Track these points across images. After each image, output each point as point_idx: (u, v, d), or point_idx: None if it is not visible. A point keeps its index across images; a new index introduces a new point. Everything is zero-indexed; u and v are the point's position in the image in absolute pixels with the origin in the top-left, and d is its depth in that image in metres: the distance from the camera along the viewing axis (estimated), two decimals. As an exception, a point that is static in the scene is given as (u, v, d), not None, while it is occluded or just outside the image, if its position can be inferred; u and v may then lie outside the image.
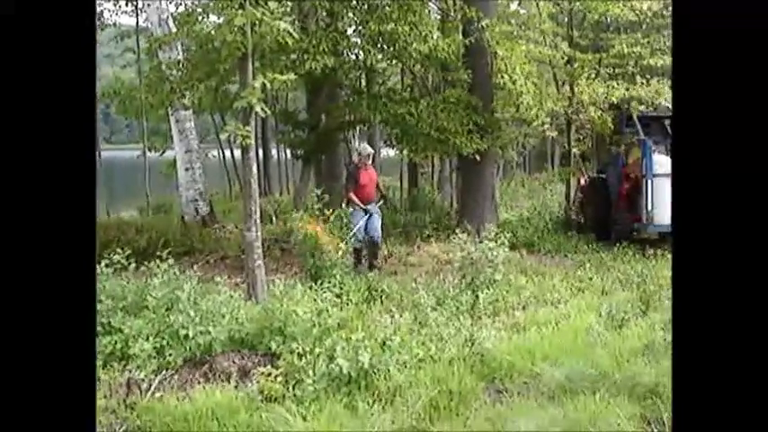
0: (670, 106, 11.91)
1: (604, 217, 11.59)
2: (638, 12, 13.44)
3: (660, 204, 10.15)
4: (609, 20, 15.32)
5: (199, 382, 5.09)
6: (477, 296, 7.24)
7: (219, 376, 5.17)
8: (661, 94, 12.40)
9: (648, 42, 14.47)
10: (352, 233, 9.05)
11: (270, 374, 4.91)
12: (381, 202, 9.85)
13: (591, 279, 8.64)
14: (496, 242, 7.88)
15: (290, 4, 10.26)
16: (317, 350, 5.04)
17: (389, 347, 5.21)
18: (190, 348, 5.37)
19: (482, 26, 10.78)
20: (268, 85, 6.68)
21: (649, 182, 10.16)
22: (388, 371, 4.92)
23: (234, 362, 5.35)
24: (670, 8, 16.98)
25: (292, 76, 7.20)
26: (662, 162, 10.25)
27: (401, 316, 6.39)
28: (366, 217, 9.23)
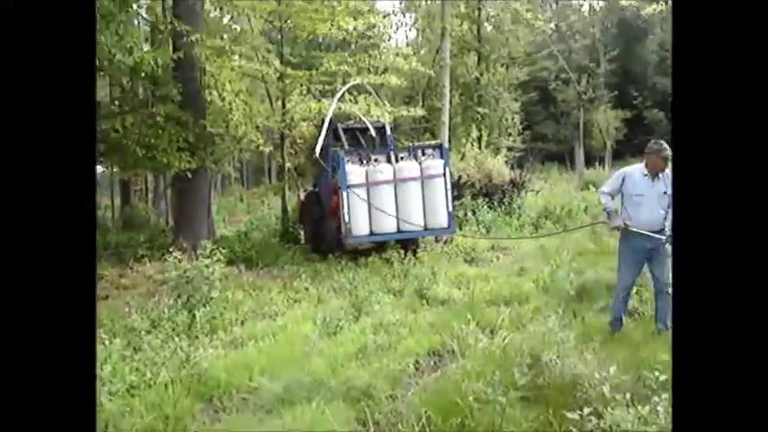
0: (364, 119, 12.49)
1: (319, 229, 11.93)
2: (344, 31, 14.11)
3: (356, 215, 10.29)
4: (321, 38, 15.91)
5: None
6: (193, 315, 7.08)
7: None
8: (371, 111, 13.14)
9: (355, 61, 15.27)
10: None
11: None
12: None
13: (307, 289, 8.87)
14: (212, 258, 7.77)
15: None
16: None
17: (99, 378, 4.87)
18: None
19: (192, 40, 10.61)
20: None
21: (344, 193, 10.27)
22: (100, 402, 4.61)
23: None
24: (374, 29, 18.19)
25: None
26: (355, 172, 10.44)
27: (112, 343, 6.02)
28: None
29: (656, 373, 3.79)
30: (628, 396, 3.72)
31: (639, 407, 3.49)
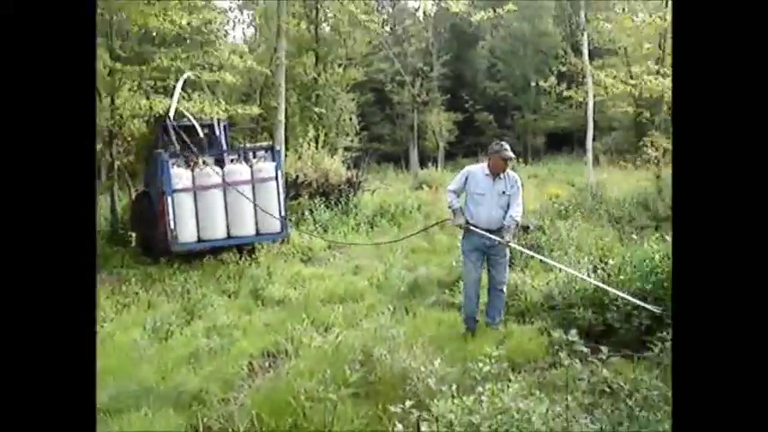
0: (190, 116, 11.98)
1: (150, 231, 11.33)
2: (178, 26, 13.67)
3: (182, 221, 9.80)
4: (155, 33, 15.27)
5: None
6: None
7: None
8: (205, 109, 12.77)
9: (189, 57, 14.85)
10: None
11: None
12: None
13: (137, 294, 8.51)
14: (32, 263, 7.31)
15: None
16: None
17: None
18: None
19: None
20: None
21: (169, 198, 9.68)
22: None
23: None
24: (210, 25, 17.74)
25: None
26: (181, 176, 9.90)
27: None
28: None
29: (481, 365, 3.99)
30: (454, 387, 3.89)
31: (464, 397, 3.65)
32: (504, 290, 6.54)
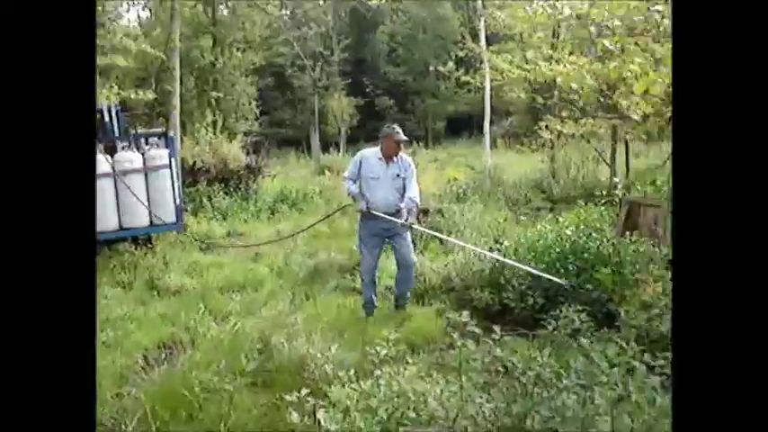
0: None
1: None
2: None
3: None
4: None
5: None
6: None
7: None
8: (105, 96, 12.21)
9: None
10: None
11: None
12: None
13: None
14: None
15: None
16: None
17: None
18: None
19: None
20: None
21: None
22: None
23: None
24: (101, 7, 17.03)
25: None
26: None
27: None
28: None
29: (379, 348, 3.99)
30: (351, 372, 3.89)
31: (362, 382, 3.65)
32: (412, 270, 6.57)
